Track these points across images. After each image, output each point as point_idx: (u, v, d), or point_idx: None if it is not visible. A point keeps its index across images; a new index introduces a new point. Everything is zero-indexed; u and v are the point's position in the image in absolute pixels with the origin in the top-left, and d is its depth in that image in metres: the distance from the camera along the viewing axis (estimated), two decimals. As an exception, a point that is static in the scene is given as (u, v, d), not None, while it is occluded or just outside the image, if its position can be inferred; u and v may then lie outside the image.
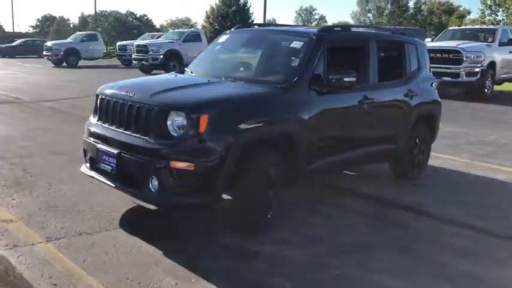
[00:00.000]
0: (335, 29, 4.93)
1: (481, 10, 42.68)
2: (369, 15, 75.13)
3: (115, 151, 3.77)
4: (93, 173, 4.07)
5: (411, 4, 69.85)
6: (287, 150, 4.05)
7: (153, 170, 3.55)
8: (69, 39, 28.79)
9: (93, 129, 4.13)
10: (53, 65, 25.96)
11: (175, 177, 3.50)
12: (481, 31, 16.06)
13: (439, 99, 5.91)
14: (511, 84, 16.07)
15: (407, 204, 4.86)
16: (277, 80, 4.26)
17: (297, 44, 4.46)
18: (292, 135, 4.06)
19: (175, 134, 3.56)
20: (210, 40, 19.05)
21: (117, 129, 3.89)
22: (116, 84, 4.27)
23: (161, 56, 20.80)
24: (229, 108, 3.72)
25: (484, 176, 5.97)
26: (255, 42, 5.09)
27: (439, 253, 3.73)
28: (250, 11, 41.82)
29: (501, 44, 14.13)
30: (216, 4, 42.48)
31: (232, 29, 5.37)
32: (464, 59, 12.85)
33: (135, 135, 3.71)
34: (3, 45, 35.73)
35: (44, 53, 27.35)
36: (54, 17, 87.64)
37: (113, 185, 3.84)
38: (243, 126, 3.66)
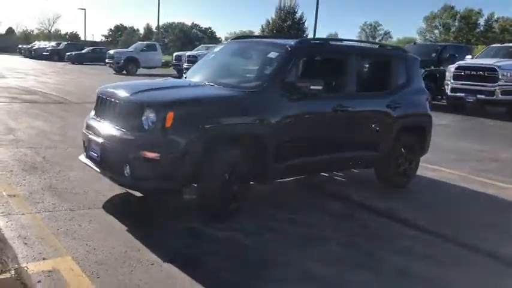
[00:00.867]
0: (312, 41, 5.33)
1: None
2: (436, 31, 73.53)
3: (100, 141, 4.39)
4: (87, 160, 4.71)
5: (481, 21, 67.71)
6: (253, 149, 4.48)
7: (127, 158, 4.12)
8: (130, 49, 30.64)
9: (89, 122, 4.78)
10: (114, 72, 27.69)
11: (143, 165, 4.04)
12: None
13: (429, 112, 6.10)
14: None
15: (379, 208, 5.12)
16: (249, 86, 4.73)
17: (273, 55, 4.91)
18: (258, 136, 4.48)
19: (147, 128, 4.12)
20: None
21: (105, 123, 4.51)
22: (112, 85, 4.92)
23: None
24: (194, 107, 4.23)
25: (472, 189, 6.08)
26: (242, 52, 5.60)
27: (382, 250, 4.00)
28: (305, 25, 42.47)
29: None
30: (271, 18, 43.56)
31: (226, 41, 5.91)
32: (500, 77, 12.65)
33: (117, 127, 4.31)
34: (73, 53, 38.37)
35: (107, 60, 29.31)
36: (125, 27, 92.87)
37: (99, 170, 4.45)
38: (206, 124, 4.13)
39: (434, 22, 73.74)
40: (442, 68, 15.37)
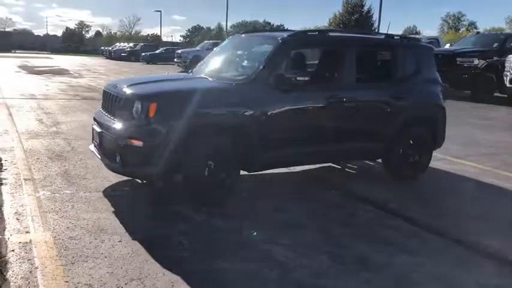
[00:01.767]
0: (310, 33, 5.37)
1: None
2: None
3: (99, 130, 4.81)
4: (93, 148, 5.16)
5: None
6: (239, 138, 4.67)
7: (117, 146, 4.48)
8: (197, 48, 31.75)
9: (95, 115, 5.23)
10: (181, 70, 28.83)
11: (130, 152, 4.39)
12: None
13: (442, 103, 5.91)
14: None
15: (374, 198, 5.09)
16: (239, 78, 4.91)
17: (266, 47, 5.06)
18: (243, 125, 4.66)
19: (135, 118, 4.45)
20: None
21: (106, 114, 4.92)
22: (115, 80, 5.33)
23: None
24: (177, 98, 4.49)
25: (488, 182, 5.82)
26: (242, 46, 5.78)
27: (356, 238, 4.00)
28: (373, 18, 41.33)
29: None
30: (339, 12, 42.94)
31: (231, 36, 6.13)
32: None
33: (112, 118, 4.70)
34: (148, 53, 40.38)
35: (175, 59, 30.64)
36: (202, 28, 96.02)
37: (99, 157, 4.87)
38: (189, 114, 4.38)
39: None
40: (504, 58, 14.46)
